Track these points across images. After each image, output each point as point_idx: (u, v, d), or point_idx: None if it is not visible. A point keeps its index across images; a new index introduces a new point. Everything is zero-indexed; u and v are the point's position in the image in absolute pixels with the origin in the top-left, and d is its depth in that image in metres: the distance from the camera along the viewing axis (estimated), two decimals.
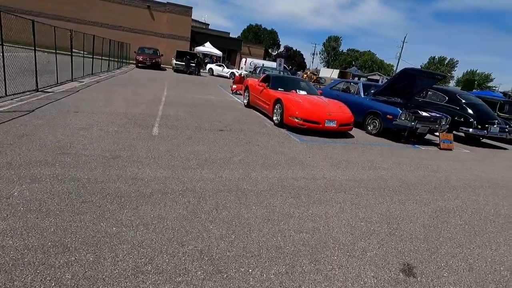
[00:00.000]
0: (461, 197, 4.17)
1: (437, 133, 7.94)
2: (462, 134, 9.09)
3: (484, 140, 10.06)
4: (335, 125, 6.65)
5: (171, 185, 3.20)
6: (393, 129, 7.55)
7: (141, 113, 6.67)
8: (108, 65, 17.00)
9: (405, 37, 68.87)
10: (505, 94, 39.50)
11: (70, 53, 10.60)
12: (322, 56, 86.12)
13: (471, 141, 9.36)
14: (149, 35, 30.47)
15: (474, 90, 38.96)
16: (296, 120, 6.52)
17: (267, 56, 55.76)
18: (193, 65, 23.04)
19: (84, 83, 10.35)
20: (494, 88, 64.17)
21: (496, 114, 9.71)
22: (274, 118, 7.32)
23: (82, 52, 12.84)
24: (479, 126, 8.67)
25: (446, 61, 74.89)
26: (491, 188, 4.86)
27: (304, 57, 75.04)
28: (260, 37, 74.65)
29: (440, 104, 9.84)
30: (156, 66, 23.25)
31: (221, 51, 34.84)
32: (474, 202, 4.06)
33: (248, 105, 9.57)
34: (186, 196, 2.99)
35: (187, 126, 6.04)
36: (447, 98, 9.77)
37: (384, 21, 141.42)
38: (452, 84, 70.37)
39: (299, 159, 4.85)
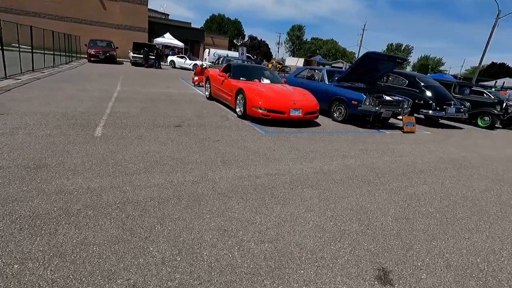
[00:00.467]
0: (429, 182, 4.07)
1: (400, 117, 8.01)
2: (422, 116, 9.33)
3: (442, 121, 10.48)
4: (300, 114, 6.36)
5: (107, 197, 2.65)
6: (358, 114, 7.46)
7: (85, 111, 5.86)
8: (54, 60, 15.29)
9: (364, 24, 70.88)
10: (455, 76, 42.68)
11: None
12: (287, 46, 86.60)
13: (431, 122, 9.65)
14: (101, 26, 28.17)
15: (428, 74, 41.46)
16: (260, 111, 6.13)
17: (232, 47, 54.58)
18: (152, 57, 21.66)
19: (20, 80, 9.06)
20: (445, 71, 69.04)
21: (451, 95, 10.08)
22: (237, 109, 6.86)
23: (17, 46, 11.29)
24: (438, 108, 8.93)
25: (403, 47, 78.94)
26: (455, 169, 4.86)
27: (270, 47, 74.81)
28: (224, 28, 72.86)
29: (401, 88, 10.00)
30: (111, 60, 21.54)
31: (183, 42, 33.31)
32: (441, 186, 3.97)
33: (210, 97, 8.99)
34: (124, 210, 2.47)
35: (138, 123, 5.39)
36: (407, 81, 9.95)
37: (345, 10, 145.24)
38: (408, 69, 74.39)
39: (263, 153, 4.47)
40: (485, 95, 13.11)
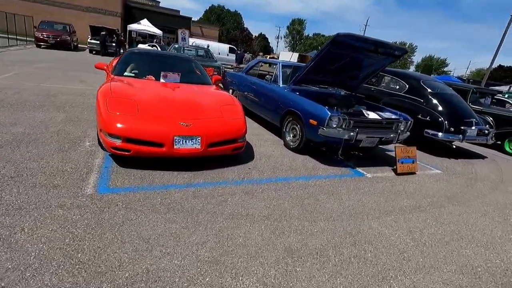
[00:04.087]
0: None
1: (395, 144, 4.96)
2: (427, 137, 6.24)
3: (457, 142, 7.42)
4: (198, 147, 3.31)
5: None
6: (319, 143, 4.42)
7: None
8: None
9: (367, 20, 67.35)
10: (461, 78, 39.18)
11: None
12: (287, 40, 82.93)
13: (438, 147, 6.58)
14: (66, 8, 24.84)
15: (432, 75, 38.03)
16: (110, 140, 3.08)
17: (230, 39, 50.88)
18: (113, 44, 18.51)
19: None
20: (449, 72, 65.53)
21: (471, 108, 7.01)
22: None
23: None
24: (452, 129, 5.88)
25: (406, 46, 75.23)
26: None
27: (270, 41, 71.30)
28: (223, 19, 69.21)
29: (398, 95, 6.94)
30: (64, 46, 18.37)
31: (169, 31, 30.10)
32: None
33: None
34: None
35: None
36: (407, 86, 6.87)
37: (350, 5, 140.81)
38: (412, 69, 70.91)
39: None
40: (508, 105, 10.10)
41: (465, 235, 2.97)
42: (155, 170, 3.29)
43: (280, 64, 5.72)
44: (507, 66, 56.63)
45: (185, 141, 3.25)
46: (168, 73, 4.55)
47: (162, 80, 4.50)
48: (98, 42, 18.17)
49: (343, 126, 4.10)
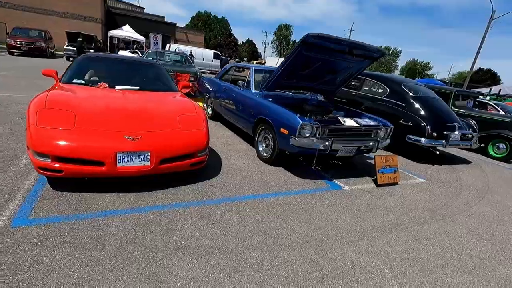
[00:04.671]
0: None
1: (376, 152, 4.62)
2: (409, 142, 5.94)
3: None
4: (147, 164, 2.86)
5: None
6: (292, 153, 4.03)
7: None
8: None
9: (352, 25, 68.64)
10: (444, 81, 39.88)
11: None
12: (274, 45, 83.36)
13: (421, 152, 6.30)
14: (42, 14, 24.01)
15: (416, 79, 38.56)
16: (39, 160, 2.60)
17: (217, 46, 50.46)
18: (90, 51, 17.82)
19: None
20: (432, 76, 67.04)
21: (454, 112, 6.79)
22: None
23: None
24: (435, 134, 5.62)
25: (391, 51, 76.69)
26: None
27: (257, 46, 71.43)
28: (210, 26, 69.07)
29: (379, 99, 6.67)
30: (39, 53, 17.59)
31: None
32: None
33: None
34: None
35: None
36: (388, 90, 6.61)
37: (334, 13, 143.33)
38: (397, 73, 72.20)
39: None
40: (489, 107, 10.02)
41: (450, 259, 2.61)
42: (97, 193, 2.81)
43: (253, 69, 5.34)
44: (486, 69, 58.32)
45: (131, 158, 2.80)
46: (125, 79, 4.09)
47: (117, 88, 4.04)
48: (75, 48, 17.46)
49: (317, 135, 3.73)
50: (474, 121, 7.62)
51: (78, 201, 2.65)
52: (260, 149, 4.56)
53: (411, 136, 5.67)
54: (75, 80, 3.99)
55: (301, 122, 3.60)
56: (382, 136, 4.37)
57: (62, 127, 2.74)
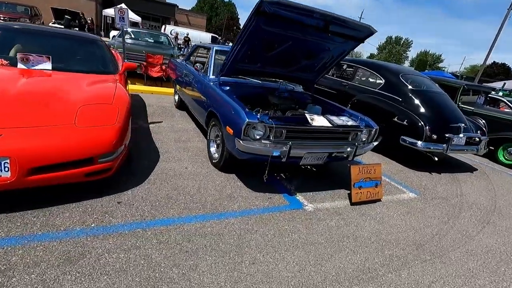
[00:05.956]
0: None
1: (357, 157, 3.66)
2: (404, 145, 4.96)
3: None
4: (6, 176, 1.98)
5: None
6: (242, 160, 3.11)
7: None
8: None
9: (362, 12, 65.74)
10: (455, 74, 37.95)
11: None
12: None
13: (418, 157, 5.33)
14: None
15: (426, 71, 36.67)
16: None
17: (224, 29, 48.67)
18: (75, 29, 16.80)
19: None
20: (443, 68, 64.43)
21: (460, 110, 5.76)
22: None
23: None
24: (435, 136, 4.64)
25: (402, 41, 73.74)
26: None
27: None
28: (217, 10, 66.91)
29: (372, 91, 5.66)
30: None
31: (154, 18, 28.29)
32: None
33: None
34: None
35: None
36: (384, 80, 5.60)
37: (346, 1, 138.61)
38: (407, 64, 69.63)
39: None
40: (502, 105, 8.89)
41: None
42: None
43: (214, 49, 4.36)
44: (500, 63, 55.75)
45: None
46: (31, 55, 3.17)
47: (20, 66, 3.13)
48: (63, 26, 16.45)
49: (271, 138, 2.81)
50: (483, 121, 6.61)
51: None
52: (212, 149, 3.65)
53: (406, 138, 4.70)
54: None
55: (247, 119, 2.66)
56: (363, 139, 3.42)
57: None
